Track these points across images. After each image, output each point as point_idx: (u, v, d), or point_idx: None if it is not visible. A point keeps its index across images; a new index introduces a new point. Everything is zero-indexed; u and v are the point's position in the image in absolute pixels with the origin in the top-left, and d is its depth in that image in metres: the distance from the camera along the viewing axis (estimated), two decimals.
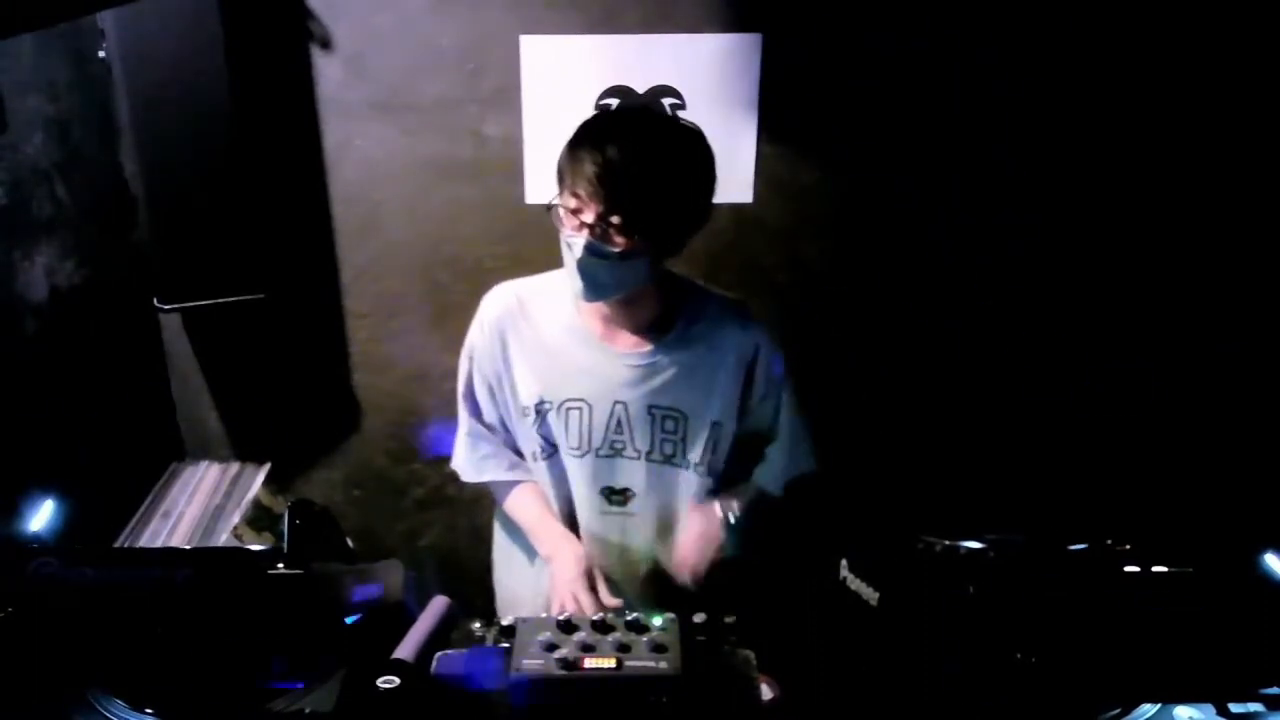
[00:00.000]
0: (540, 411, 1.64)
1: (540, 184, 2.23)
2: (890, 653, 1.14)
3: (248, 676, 1.10)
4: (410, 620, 1.29)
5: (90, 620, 1.03)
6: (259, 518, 1.93)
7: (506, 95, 2.18)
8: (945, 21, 2.10)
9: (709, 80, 2.14)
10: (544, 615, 1.24)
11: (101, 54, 1.91)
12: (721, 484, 1.70)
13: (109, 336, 2.16)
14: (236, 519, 1.89)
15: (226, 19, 1.89)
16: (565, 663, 1.11)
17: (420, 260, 2.32)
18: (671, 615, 1.19)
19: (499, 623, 1.24)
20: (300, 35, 2.12)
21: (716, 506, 1.65)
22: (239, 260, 2.04)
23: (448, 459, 1.82)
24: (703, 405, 1.63)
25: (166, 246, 2.02)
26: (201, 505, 1.95)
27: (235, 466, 2.08)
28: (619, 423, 1.61)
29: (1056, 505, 2.28)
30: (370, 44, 2.14)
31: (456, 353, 1.75)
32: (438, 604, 1.34)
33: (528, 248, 2.23)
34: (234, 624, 1.05)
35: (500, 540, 1.88)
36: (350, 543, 1.35)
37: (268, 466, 2.06)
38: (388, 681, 1.12)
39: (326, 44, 2.14)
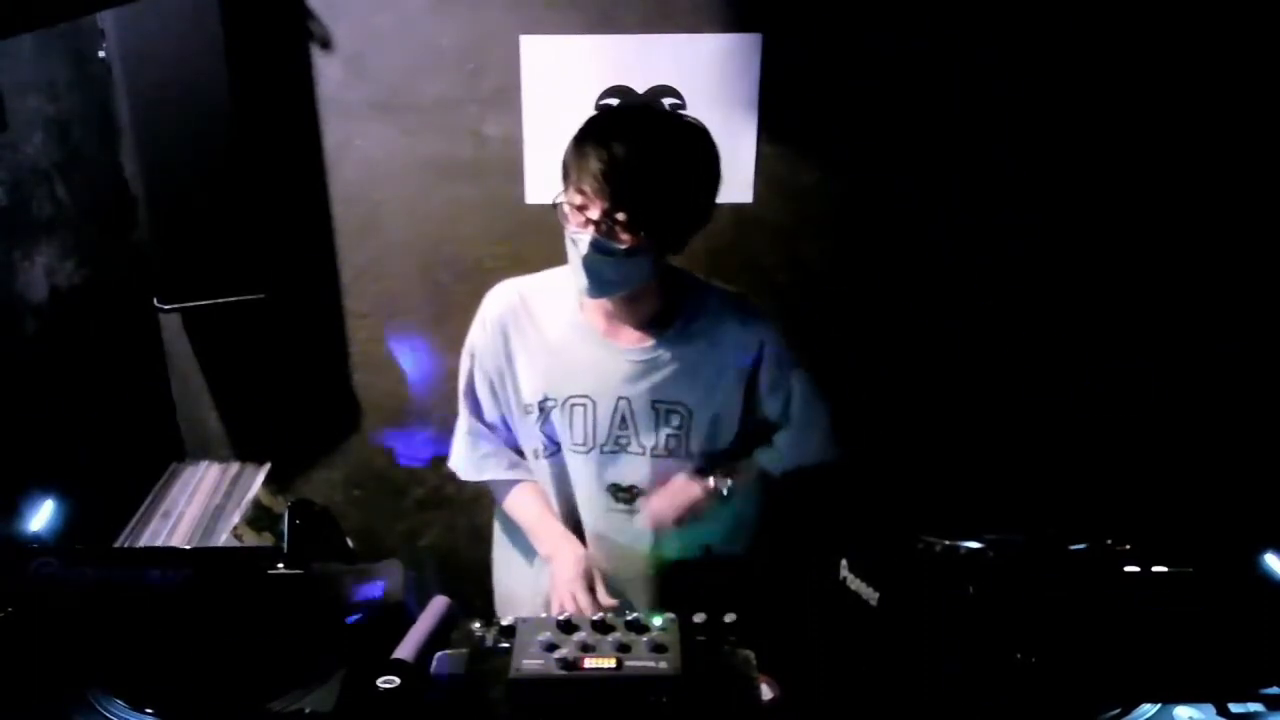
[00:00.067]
0: (543, 409, 1.64)
1: (540, 184, 2.23)
2: (890, 653, 1.15)
3: (247, 676, 1.10)
4: (410, 620, 1.29)
5: (90, 620, 1.04)
6: (259, 518, 1.93)
7: (506, 95, 2.18)
8: (945, 21, 2.10)
9: (709, 80, 2.14)
10: (544, 615, 1.24)
11: (101, 54, 1.91)
12: (721, 459, 1.69)
13: (109, 336, 2.16)
14: (236, 519, 1.89)
15: (226, 19, 1.89)
16: (565, 663, 1.11)
17: (420, 260, 2.32)
18: (671, 615, 1.19)
19: (499, 623, 1.24)
20: (300, 35, 2.12)
21: (710, 480, 1.64)
22: (239, 260, 2.04)
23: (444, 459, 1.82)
24: (706, 399, 1.62)
25: (166, 246, 2.01)
26: (201, 505, 1.95)
27: (235, 466, 2.08)
28: (623, 418, 1.61)
29: (1056, 505, 2.28)
30: (370, 44, 2.14)
31: (456, 353, 1.75)
32: (438, 604, 1.34)
33: (528, 248, 2.23)
34: (234, 624, 1.05)
35: (500, 540, 1.88)
36: (350, 543, 1.35)
37: (268, 466, 2.06)
38: (388, 681, 1.12)
39: (326, 44, 2.14)
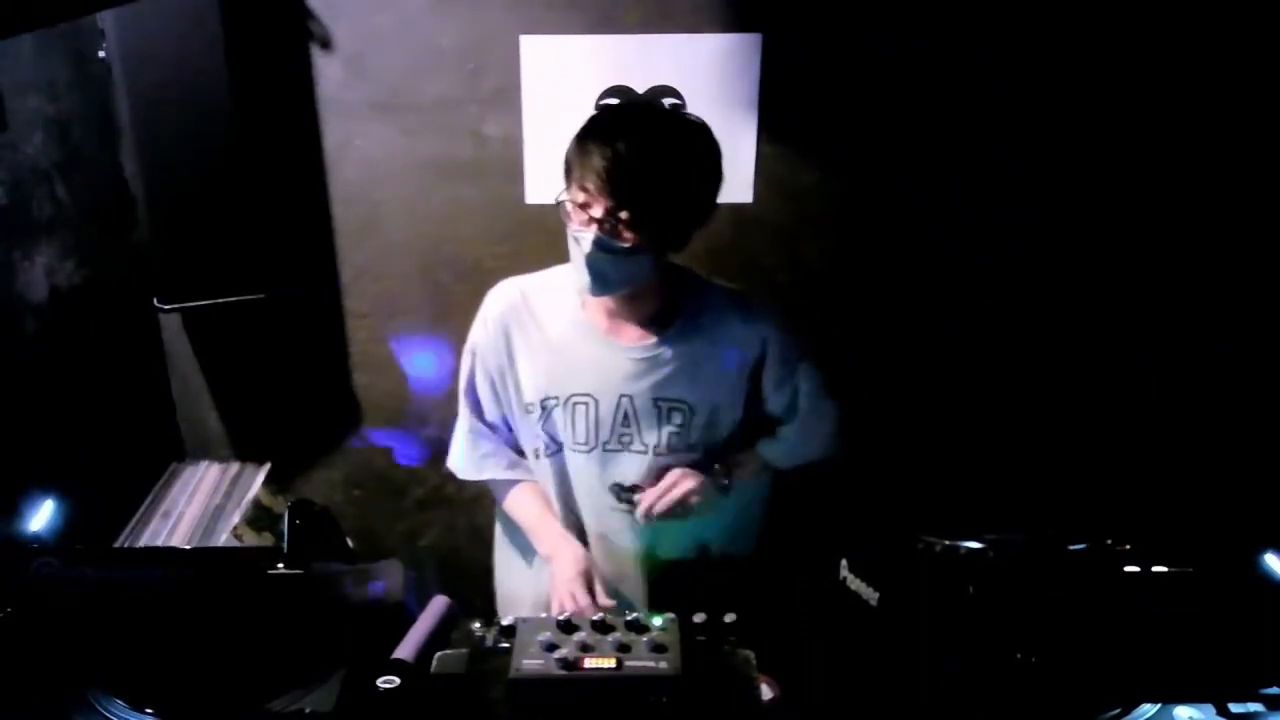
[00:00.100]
0: (545, 407, 1.64)
1: (540, 184, 2.23)
2: (890, 653, 1.14)
3: (247, 676, 1.10)
4: (410, 620, 1.29)
5: (90, 620, 1.03)
6: (259, 518, 1.93)
7: (506, 95, 2.18)
8: (945, 21, 2.10)
9: (709, 80, 2.14)
10: (544, 615, 1.24)
11: (101, 54, 1.91)
12: (724, 451, 1.69)
13: (109, 336, 2.15)
14: (236, 519, 1.89)
15: (226, 19, 1.89)
16: (565, 663, 1.11)
17: (420, 260, 2.32)
18: (671, 615, 1.19)
19: (499, 623, 1.24)
20: (300, 35, 2.12)
21: (709, 474, 1.64)
22: (239, 260, 2.04)
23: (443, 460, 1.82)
24: (708, 396, 1.63)
25: (166, 246, 2.01)
26: (201, 505, 1.95)
27: (235, 466, 2.08)
28: (625, 416, 1.61)
29: (1056, 505, 2.28)
30: (370, 44, 2.14)
31: (456, 353, 1.75)
32: (438, 604, 1.34)
33: (528, 248, 2.23)
34: (234, 624, 1.05)
35: (501, 540, 1.88)
36: (350, 543, 1.35)
37: (268, 466, 2.06)
38: (388, 681, 1.12)
39: (326, 44, 2.14)
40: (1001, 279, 2.30)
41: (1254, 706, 1.02)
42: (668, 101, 2.15)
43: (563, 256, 1.69)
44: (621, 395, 1.60)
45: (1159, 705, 1.07)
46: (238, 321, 2.18)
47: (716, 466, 1.66)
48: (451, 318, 2.29)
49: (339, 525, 1.32)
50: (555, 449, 1.67)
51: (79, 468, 1.95)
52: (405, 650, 1.21)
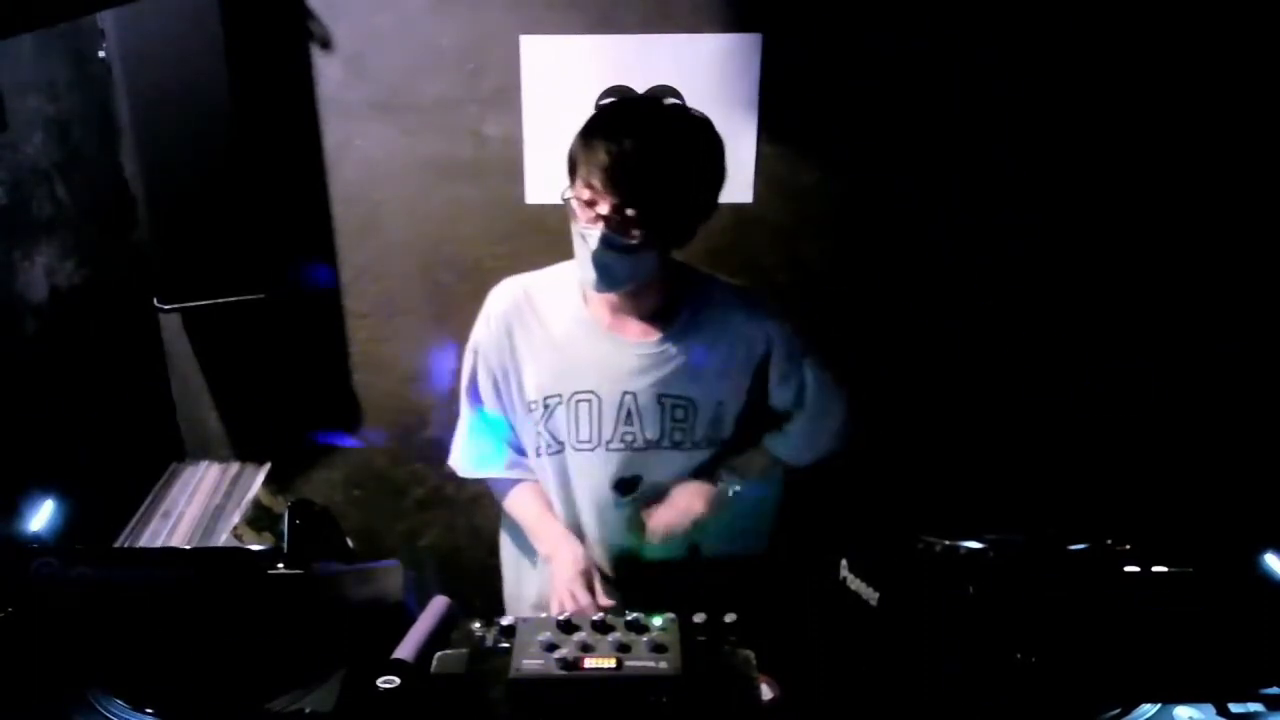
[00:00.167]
0: (548, 406, 1.64)
1: (540, 184, 2.23)
2: (890, 653, 1.14)
3: (247, 676, 1.10)
4: (410, 620, 1.29)
5: (90, 620, 1.03)
6: (259, 518, 1.93)
7: (506, 95, 2.18)
8: (945, 21, 2.10)
9: (709, 80, 2.14)
10: (544, 615, 1.24)
11: (101, 54, 1.91)
12: (730, 451, 1.69)
13: (109, 336, 2.16)
14: (236, 519, 1.89)
15: (226, 19, 1.89)
16: (565, 663, 1.11)
17: (420, 260, 2.32)
18: (671, 615, 1.19)
19: (499, 623, 1.24)
20: (300, 35, 2.12)
21: (710, 485, 1.65)
22: (239, 260, 2.04)
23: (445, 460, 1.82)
24: (713, 392, 1.63)
25: (166, 246, 2.01)
26: (201, 505, 1.95)
27: (235, 466, 2.08)
28: (629, 413, 1.61)
29: (1056, 505, 2.28)
30: (370, 44, 2.14)
31: (456, 352, 1.75)
32: (438, 604, 1.34)
33: (528, 248, 2.23)
34: (234, 624, 1.05)
35: (507, 540, 1.88)
36: (350, 543, 1.35)
37: (268, 466, 2.06)
38: (388, 681, 1.12)
39: (326, 44, 2.14)
40: (1001, 279, 2.30)
41: (1254, 706, 1.02)
42: (667, 102, 2.14)
43: (563, 256, 1.69)
44: (625, 392, 1.60)
45: (1159, 705, 1.07)
46: (238, 321, 2.18)
47: (723, 473, 1.66)
48: (452, 318, 2.29)
49: (339, 525, 1.32)
50: (557, 448, 1.67)
51: (79, 468, 1.95)
52: (405, 650, 1.21)
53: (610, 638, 1.15)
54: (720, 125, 1.53)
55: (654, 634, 1.16)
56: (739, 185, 2.20)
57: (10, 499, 1.31)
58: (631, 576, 1.71)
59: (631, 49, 2.13)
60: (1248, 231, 2.20)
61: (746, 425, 1.70)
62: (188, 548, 1.76)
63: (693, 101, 2.13)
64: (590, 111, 1.53)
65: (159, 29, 1.86)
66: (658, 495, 1.66)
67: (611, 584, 1.68)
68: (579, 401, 1.62)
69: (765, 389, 1.68)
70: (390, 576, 1.41)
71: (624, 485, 1.65)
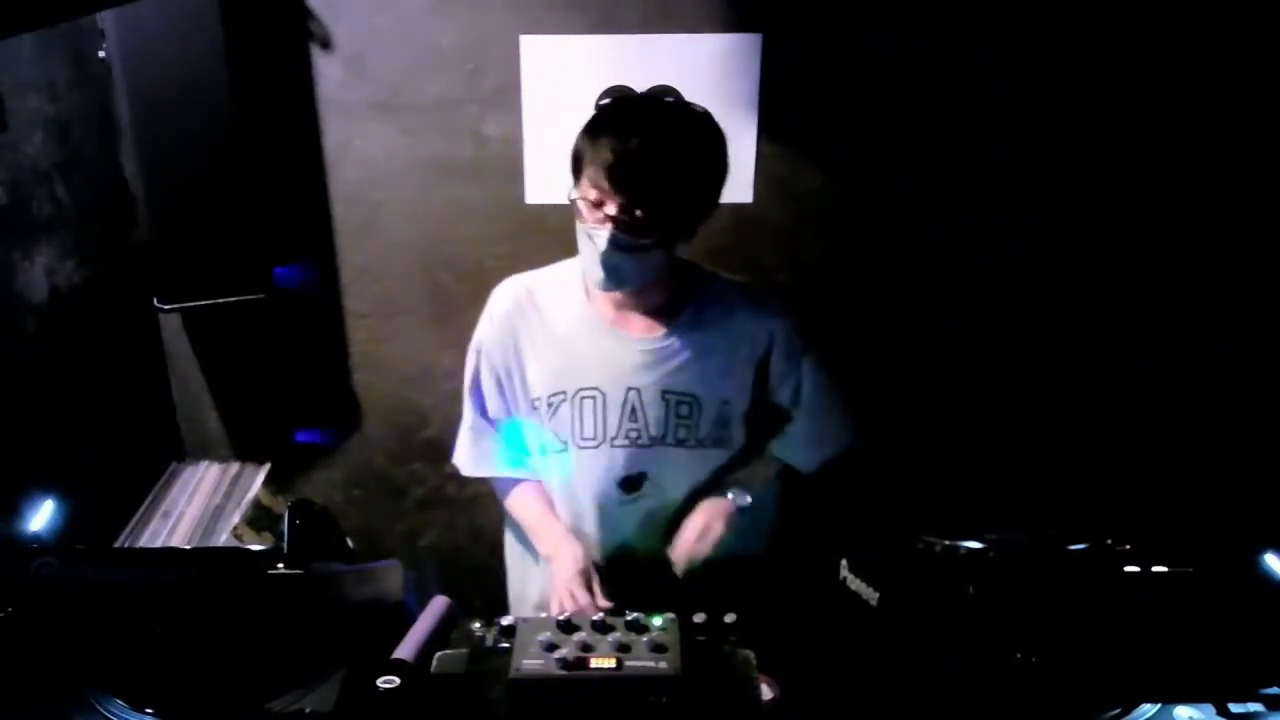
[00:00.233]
0: (552, 404, 1.64)
1: (540, 184, 2.23)
2: (890, 653, 1.14)
3: (247, 676, 1.10)
4: (410, 620, 1.29)
5: (90, 620, 1.03)
6: (259, 518, 1.93)
7: (506, 95, 2.18)
8: (945, 21, 2.10)
9: (709, 80, 2.14)
10: (544, 615, 1.24)
11: (101, 54, 1.91)
12: (736, 461, 1.70)
13: (109, 336, 2.15)
14: (236, 519, 1.89)
15: (226, 19, 1.89)
16: (565, 663, 1.11)
17: (420, 260, 2.32)
18: (671, 615, 1.19)
19: (499, 623, 1.24)
20: (300, 35, 2.12)
21: (727, 500, 1.65)
22: (239, 260, 2.04)
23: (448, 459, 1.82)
24: (716, 389, 1.63)
25: (166, 246, 2.01)
26: (201, 505, 1.95)
27: (235, 466, 2.07)
28: (633, 410, 1.61)
29: (1056, 505, 2.28)
30: (370, 44, 2.14)
31: (456, 352, 1.75)
32: (438, 604, 1.34)
33: (528, 248, 2.23)
34: (234, 624, 1.05)
35: (511, 539, 1.88)
36: (350, 543, 1.35)
37: (268, 466, 2.06)
38: (388, 681, 1.12)
39: (326, 44, 2.14)
40: (1001, 279, 2.30)
41: (1254, 706, 1.02)
42: (668, 99, 2.15)
43: (563, 256, 1.69)
44: (629, 388, 1.60)
45: (1159, 705, 1.07)
46: (238, 321, 2.18)
47: (732, 489, 1.66)
48: (452, 318, 2.30)
49: (339, 525, 1.32)
50: (561, 446, 1.67)
51: (79, 468, 1.95)
52: (405, 650, 1.21)
53: (610, 638, 1.15)
54: (720, 125, 1.54)
55: (654, 634, 1.16)
56: (739, 185, 2.20)
57: (10, 499, 1.31)
58: (632, 576, 1.71)
59: (631, 49, 2.13)
60: (1247, 231, 2.20)
61: (752, 429, 1.70)
62: (188, 548, 1.75)
63: (692, 101, 2.14)
64: (590, 111, 1.53)
65: (159, 29, 1.86)
66: (661, 497, 1.67)
67: (612, 584, 1.67)
68: (583, 398, 1.62)
69: (766, 386, 1.68)
70: (390, 576, 1.41)
71: (629, 483, 1.65)
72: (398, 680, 1.12)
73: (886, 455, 2.31)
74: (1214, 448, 2.27)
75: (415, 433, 2.44)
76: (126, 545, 1.77)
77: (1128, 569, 1.04)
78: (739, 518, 1.66)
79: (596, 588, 1.60)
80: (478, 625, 1.25)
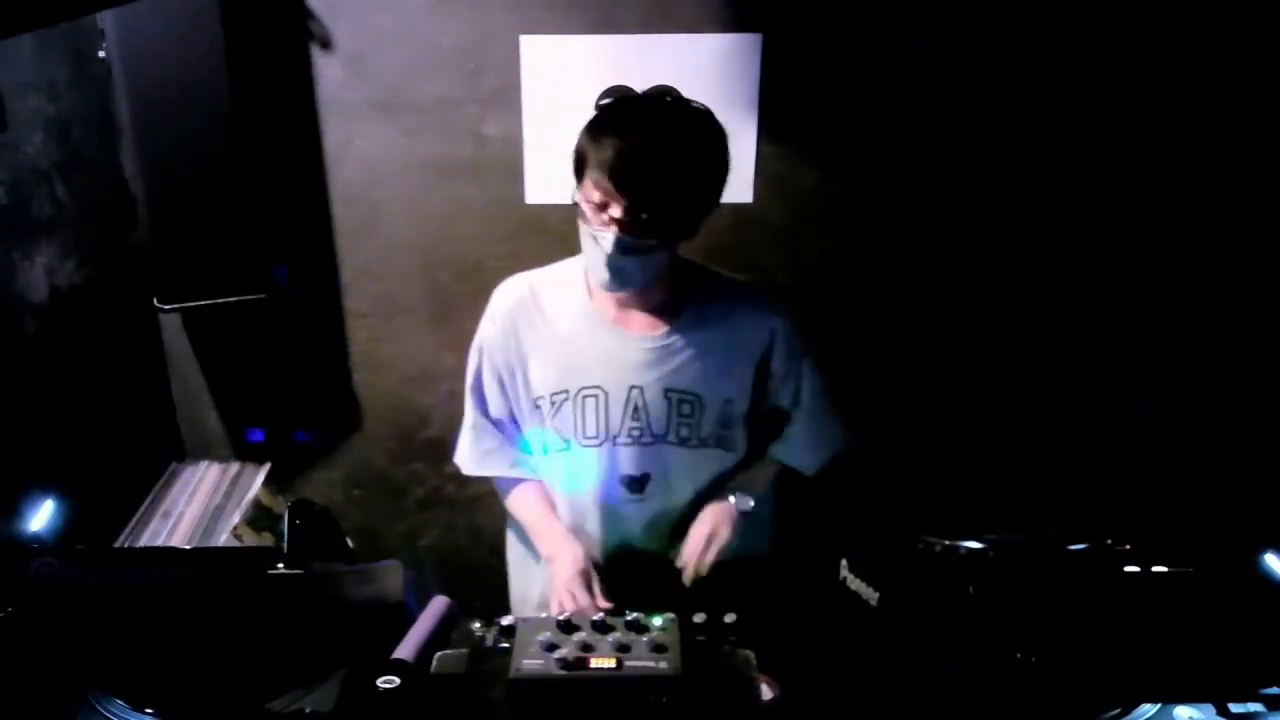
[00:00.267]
0: (555, 402, 1.64)
1: (540, 184, 2.23)
2: (890, 653, 1.15)
3: (247, 676, 1.10)
4: (410, 620, 1.29)
5: (90, 620, 1.03)
6: (259, 518, 1.93)
7: (506, 95, 2.18)
8: (945, 21, 2.10)
9: (709, 80, 2.14)
10: (544, 615, 1.24)
11: (101, 54, 1.91)
12: (740, 465, 1.70)
13: (109, 336, 2.16)
14: (236, 519, 1.89)
15: (226, 19, 1.89)
16: (565, 663, 1.11)
17: (420, 260, 2.32)
18: (671, 615, 1.19)
19: (499, 623, 1.24)
20: (300, 35, 2.12)
21: (730, 504, 1.65)
22: (239, 260, 2.04)
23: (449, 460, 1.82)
24: (718, 387, 1.63)
25: (166, 246, 2.01)
26: (201, 505, 1.95)
27: (235, 466, 2.07)
28: (635, 408, 1.61)
29: (1056, 505, 2.28)
30: (370, 44, 2.14)
31: (456, 352, 1.75)
32: (438, 604, 1.34)
33: (528, 248, 2.23)
34: (234, 624, 1.05)
35: (513, 539, 1.88)
36: (350, 543, 1.35)
37: (268, 466, 2.06)
38: (388, 681, 1.12)
39: (326, 44, 2.14)
40: (1001, 279, 2.30)
41: (1254, 706, 1.02)
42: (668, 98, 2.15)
43: (563, 256, 1.69)
44: (631, 387, 1.60)
45: (1159, 705, 1.07)
46: (238, 321, 2.18)
47: (735, 492, 1.66)
48: (452, 318, 2.30)
49: (339, 525, 1.32)
50: (563, 445, 1.67)
51: (79, 468, 1.95)
52: (405, 650, 1.21)
53: (610, 638, 1.15)
54: (721, 123, 1.54)
55: (654, 634, 1.16)
56: (739, 185, 2.20)
57: (10, 499, 1.31)
58: (632, 576, 1.71)
59: (631, 49, 2.13)
60: (1247, 231, 2.20)
61: (754, 433, 1.70)
62: (188, 548, 1.75)
63: None
64: (590, 111, 1.53)
65: (159, 29, 1.86)
66: (665, 499, 1.67)
67: (612, 584, 1.67)
68: (586, 397, 1.62)
69: (767, 387, 1.68)
70: (390, 576, 1.41)
71: (632, 483, 1.65)
72: (398, 680, 1.12)
73: (886, 455, 2.31)
74: (1213, 448, 2.27)
75: (415, 433, 2.44)
76: (126, 545, 1.77)
77: (1128, 569, 1.04)
78: (742, 521, 1.66)
79: (596, 588, 1.60)
80: (478, 625, 1.25)
